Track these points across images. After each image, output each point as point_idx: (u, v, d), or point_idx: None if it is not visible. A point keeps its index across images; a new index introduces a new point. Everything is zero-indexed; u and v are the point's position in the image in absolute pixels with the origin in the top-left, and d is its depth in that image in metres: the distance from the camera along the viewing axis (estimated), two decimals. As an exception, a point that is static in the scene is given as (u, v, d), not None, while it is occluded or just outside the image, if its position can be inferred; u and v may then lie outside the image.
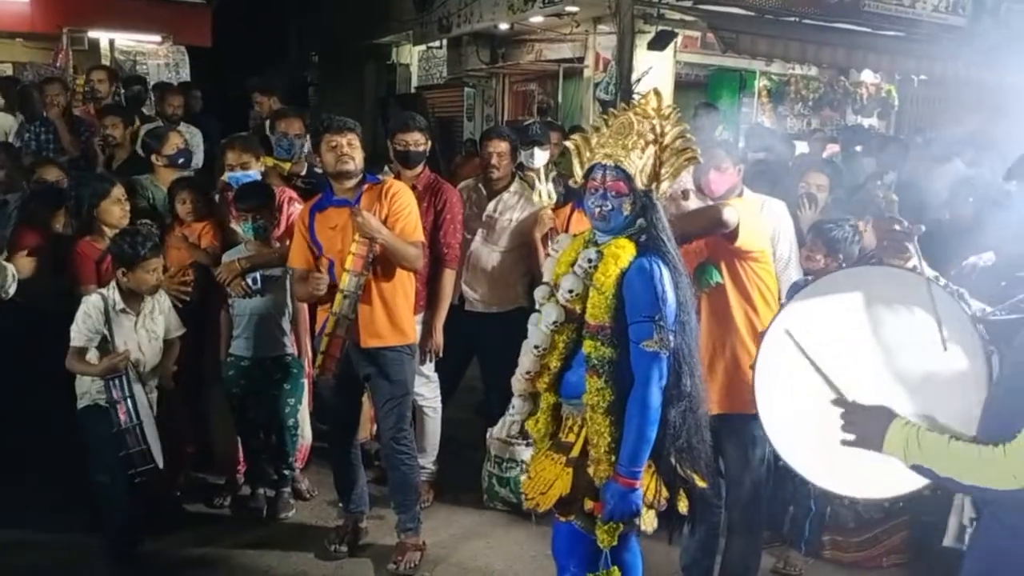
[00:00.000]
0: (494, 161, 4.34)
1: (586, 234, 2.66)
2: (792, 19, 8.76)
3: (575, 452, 2.55)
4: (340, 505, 3.94)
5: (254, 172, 4.27)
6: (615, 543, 2.49)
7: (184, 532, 3.89)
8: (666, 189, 2.55)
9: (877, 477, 2.21)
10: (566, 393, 2.61)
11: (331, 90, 15.09)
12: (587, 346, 2.46)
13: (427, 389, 4.22)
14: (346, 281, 3.39)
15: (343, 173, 3.53)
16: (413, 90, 13.48)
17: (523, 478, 2.85)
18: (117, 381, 3.35)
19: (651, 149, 2.49)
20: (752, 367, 2.56)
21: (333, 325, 3.39)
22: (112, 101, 6.31)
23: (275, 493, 4.12)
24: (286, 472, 4.12)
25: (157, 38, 9.92)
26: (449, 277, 4.11)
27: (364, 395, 3.86)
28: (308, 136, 4.69)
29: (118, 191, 3.91)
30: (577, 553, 2.59)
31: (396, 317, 3.60)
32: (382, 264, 3.51)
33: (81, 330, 3.50)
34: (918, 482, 2.09)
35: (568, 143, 2.67)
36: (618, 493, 2.42)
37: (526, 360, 2.64)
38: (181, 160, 4.58)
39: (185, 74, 9.16)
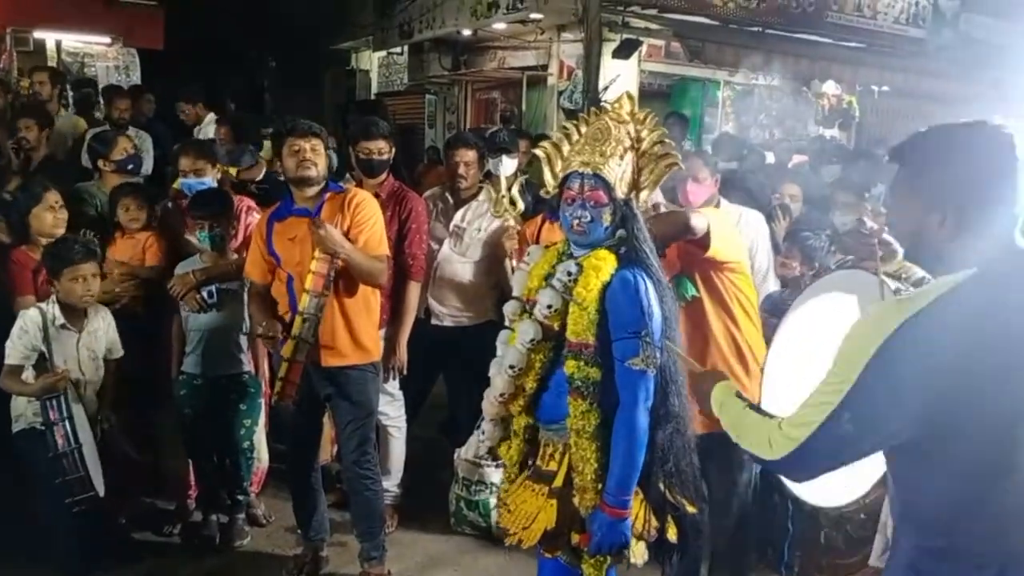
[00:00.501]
0: (461, 171, 4.16)
1: (559, 246, 2.51)
2: (756, 29, 8.78)
3: (558, 482, 2.38)
4: (299, 532, 3.72)
5: (208, 179, 4.06)
6: None
7: (131, 562, 3.63)
8: (646, 197, 2.42)
9: (839, 485, 2.12)
10: (544, 417, 2.45)
11: (288, 96, 14.79)
12: (569, 366, 2.31)
13: (391, 408, 4.02)
14: (306, 302, 3.18)
15: (303, 180, 3.32)
16: (373, 97, 13.25)
17: (497, 508, 2.66)
18: (54, 402, 3.08)
19: (629, 156, 2.35)
20: (762, 370, 2.48)
21: (292, 349, 3.18)
22: (57, 103, 6.02)
23: (228, 519, 3.88)
24: (240, 497, 3.88)
25: (107, 39, 9.57)
26: (414, 290, 3.93)
27: (325, 415, 3.66)
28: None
29: (52, 197, 3.63)
30: None
31: (358, 334, 3.41)
32: (344, 279, 3.31)
33: (16, 347, 3.22)
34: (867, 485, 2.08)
35: (537, 150, 2.51)
36: (606, 524, 2.26)
37: (499, 382, 2.46)
38: (130, 166, 4.31)
39: (136, 77, 8.84)
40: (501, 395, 2.46)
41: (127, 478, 3.80)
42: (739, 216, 3.70)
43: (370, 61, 13.76)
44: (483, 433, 2.60)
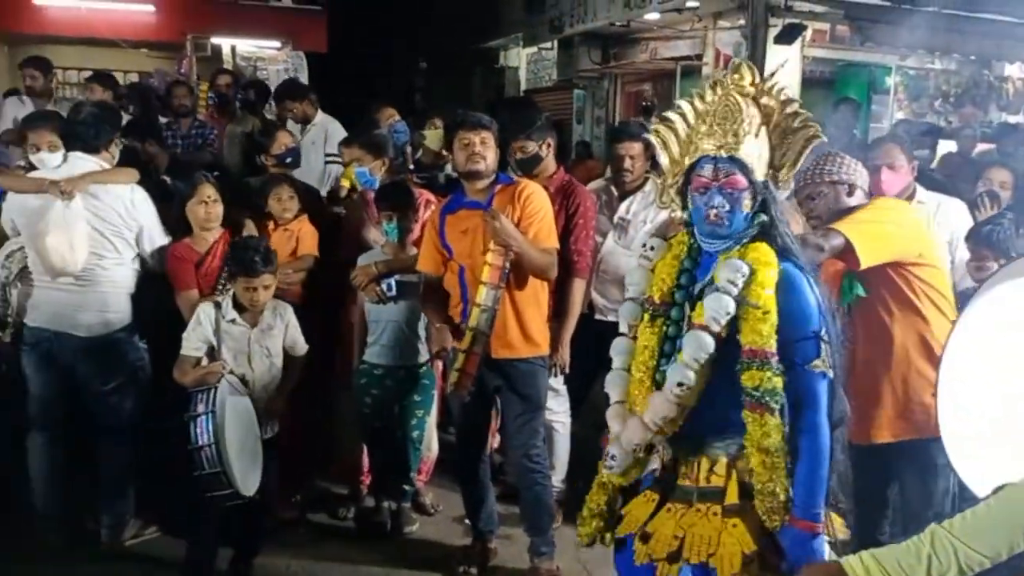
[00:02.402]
0: (627, 164, 4.05)
1: (683, 238, 2.27)
2: (931, 9, 8.20)
3: (732, 498, 2.16)
4: (467, 522, 3.75)
5: (364, 169, 4.11)
6: None
7: (306, 544, 3.78)
8: (786, 176, 2.19)
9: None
10: (703, 431, 2.21)
11: (438, 95, 15.12)
12: (752, 378, 2.08)
13: (556, 403, 3.98)
14: (483, 294, 3.18)
15: (473, 173, 3.34)
16: (521, 93, 13.33)
17: (641, 544, 2.26)
18: (203, 395, 3.03)
19: (763, 132, 2.15)
20: (934, 385, 2.27)
21: (470, 341, 3.18)
22: (235, 104, 6.39)
23: (397, 507, 3.96)
24: (406, 487, 3.95)
25: (276, 44, 10.09)
26: (579, 287, 3.83)
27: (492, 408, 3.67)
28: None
29: (205, 190, 3.60)
30: None
31: (528, 327, 3.39)
32: (515, 272, 3.30)
33: (190, 338, 3.28)
34: None
35: (650, 136, 2.30)
36: (800, 539, 2.07)
37: (662, 405, 2.16)
38: (288, 159, 4.42)
39: (304, 79, 9.20)
40: (663, 418, 2.17)
41: (300, 462, 3.93)
42: (937, 206, 3.45)
43: (519, 58, 13.84)
44: (614, 459, 2.28)
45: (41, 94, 5.84)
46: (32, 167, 3.63)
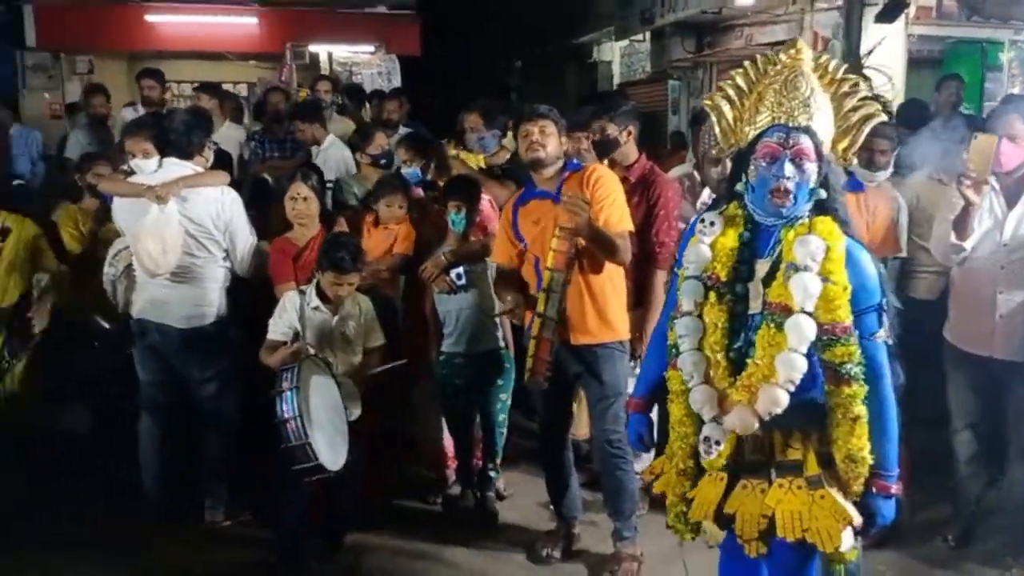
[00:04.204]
0: None
1: (737, 211, 2.20)
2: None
3: (813, 469, 2.17)
4: (550, 508, 3.78)
5: (412, 169, 4.34)
6: None
7: (396, 527, 3.87)
8: (847, 154, 2.21)
9: None
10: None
11: (532, 93, 15.19)
12: (835, 355, 2.09)
13: (639, 389, 3.95)
14: (548, 280, 3.20)
15: (534, 162, 3.37)
16: (615, 87, 13.24)
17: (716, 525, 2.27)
18: (288, 373, 3.17)
19: (828, 107, 2.17)
20: None
21: (539, 327, 3.21)
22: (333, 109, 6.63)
23: (482, 493, 4.03)
24: (492, 473, 4.02)
25: (370, 48, 10.37)
26: (661, 279, 3.76)
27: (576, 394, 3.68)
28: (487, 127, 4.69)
29: (295, 188, 3.81)
30: None
31: (606, 312, 3.39)
32: (588, 258, 3.30)
33: (276, 324, 3.50)
34: None
35: (706, 103, 2.29)
36: (884, 501, 2.16)
37: (779, 397, 2.07)
38: (383, 160, 4.65)
39: (397, 81, 9.43)
40: (779, 409, 2.08)
41: (391, 450, 4.05)
42: None
43: (612, 52, 13.75)
44: (717, 444, 2.20)
45: (155, 104, 6.22)
46: (133, 172, 3.87)
